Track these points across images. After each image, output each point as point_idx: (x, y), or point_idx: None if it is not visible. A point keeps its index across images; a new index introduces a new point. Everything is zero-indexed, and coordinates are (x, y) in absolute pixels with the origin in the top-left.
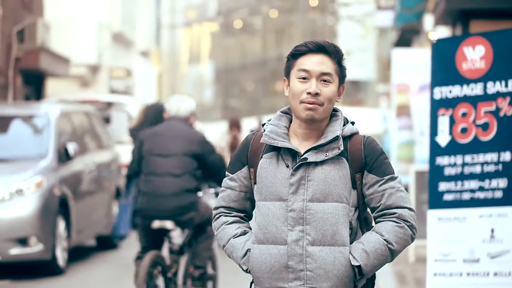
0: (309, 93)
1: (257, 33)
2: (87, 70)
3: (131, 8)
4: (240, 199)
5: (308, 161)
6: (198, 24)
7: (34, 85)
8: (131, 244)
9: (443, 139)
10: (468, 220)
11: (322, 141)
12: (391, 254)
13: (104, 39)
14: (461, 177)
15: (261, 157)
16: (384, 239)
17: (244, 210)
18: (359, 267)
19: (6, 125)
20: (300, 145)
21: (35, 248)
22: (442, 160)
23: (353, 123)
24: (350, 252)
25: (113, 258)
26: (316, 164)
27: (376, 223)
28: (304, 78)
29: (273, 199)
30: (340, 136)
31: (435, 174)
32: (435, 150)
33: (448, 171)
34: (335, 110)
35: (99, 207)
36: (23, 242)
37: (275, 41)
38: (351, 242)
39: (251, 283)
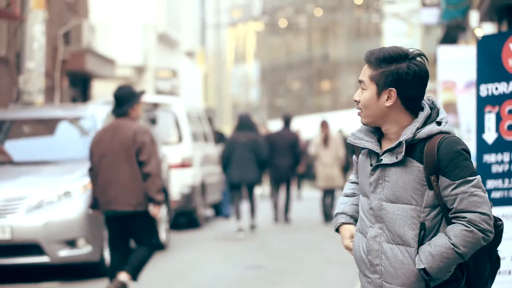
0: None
1: (302, 32)
2: (132, 71)
3: (175, 9)
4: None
5: (382, 162)
6: (243, 24)
7: (80, 87)
8: (182, 246)
9: (490, 136)
10: None
11: (393, 145)
12: (460, 256)
13: (149, 40)
14: (509, 174)
15: (360, 153)
16: (451, 243)
17: None
18: (424, 269)
19: (53, 127)
20: (386, 145)
21: (83, 249)
22: (489, 158)
23: (439, 123)
24: (418, 253)
25: (162, 259)
26: (392, 165)
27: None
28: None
29: (363, 194)
30: (404, 141)
31: (483, 171)
32: (482, 147)
33: (495, 169)
34: (421, 109)
35: None
36: (71, 244)
37: (320, 40)
38: (425, 242)
39: None
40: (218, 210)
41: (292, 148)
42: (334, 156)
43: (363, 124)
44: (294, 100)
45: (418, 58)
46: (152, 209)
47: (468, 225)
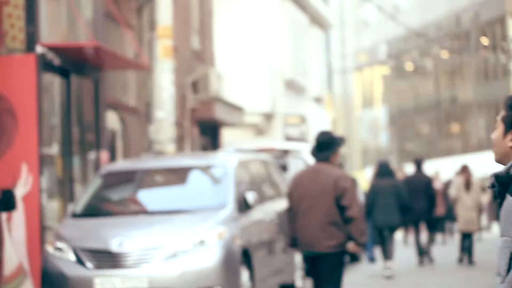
0: None
1: (429, 75)
2: (261, 118)
3: (301, 55)
4: None
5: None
6: (369, 68)
7: (210, 134)
8: None
9: None
10: None
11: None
12: None
13: (276, 86)
14: None
15: None
16: None
17: None
18: None
19: (185, 176)
20: None
21: None
22: None
23: None
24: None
25: None
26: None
27: None
28: None
29: None
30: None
31: None
32: None
33: None
34: None
35: (281, 255)
36: None
37: (447, 82)
38: None
39: None
40: (352, 256)
41: (426, 190)
42: (475, 200)
43: (495, 161)
44: (424, 144)
45: None
46: (352, 247)
47: None
